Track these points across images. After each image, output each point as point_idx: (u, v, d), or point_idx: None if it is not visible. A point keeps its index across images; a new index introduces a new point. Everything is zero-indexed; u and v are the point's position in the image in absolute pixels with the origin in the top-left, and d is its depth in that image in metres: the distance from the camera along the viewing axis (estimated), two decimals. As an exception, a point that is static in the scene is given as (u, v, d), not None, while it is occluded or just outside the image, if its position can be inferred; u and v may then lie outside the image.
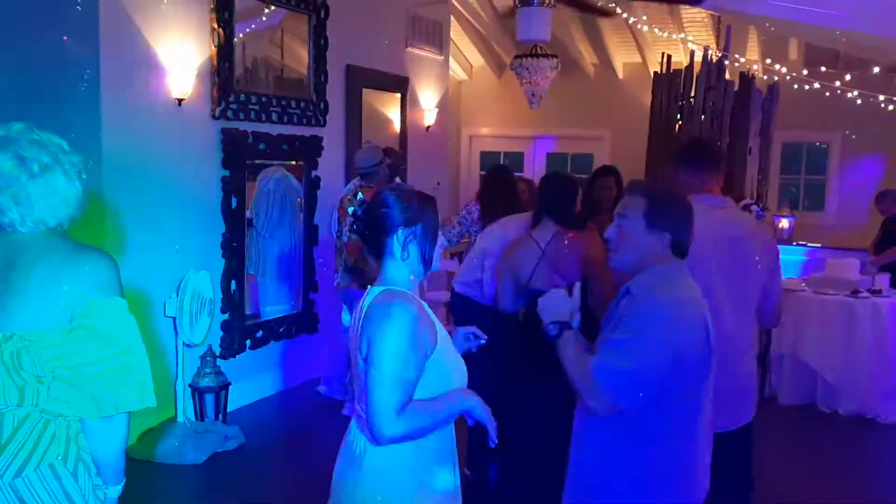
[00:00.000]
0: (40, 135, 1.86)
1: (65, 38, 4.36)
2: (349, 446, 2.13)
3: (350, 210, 5.15)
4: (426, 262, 2.09)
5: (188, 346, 4.71)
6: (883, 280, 5.88)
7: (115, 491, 1.96)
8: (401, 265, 2.06)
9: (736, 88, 7.27)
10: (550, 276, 3.48)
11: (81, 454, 1.86)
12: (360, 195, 5.05)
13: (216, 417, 4.88)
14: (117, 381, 1.76)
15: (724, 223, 2.88)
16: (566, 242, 3.50)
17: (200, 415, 4.85)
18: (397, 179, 5.80)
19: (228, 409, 4.99)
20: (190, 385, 4.83)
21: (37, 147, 1.82)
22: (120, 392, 1.77)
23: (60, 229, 1.86)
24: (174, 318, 4.60)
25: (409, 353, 1.95)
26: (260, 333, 5.62)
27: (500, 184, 4.87)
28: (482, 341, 2.32)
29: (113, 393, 1.76)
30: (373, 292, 2.06)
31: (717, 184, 2.99)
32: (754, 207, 5.82)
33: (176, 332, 4.64)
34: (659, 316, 2.09)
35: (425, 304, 2.09)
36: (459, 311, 4.34)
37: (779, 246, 3.62)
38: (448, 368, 2.08)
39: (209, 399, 4.87)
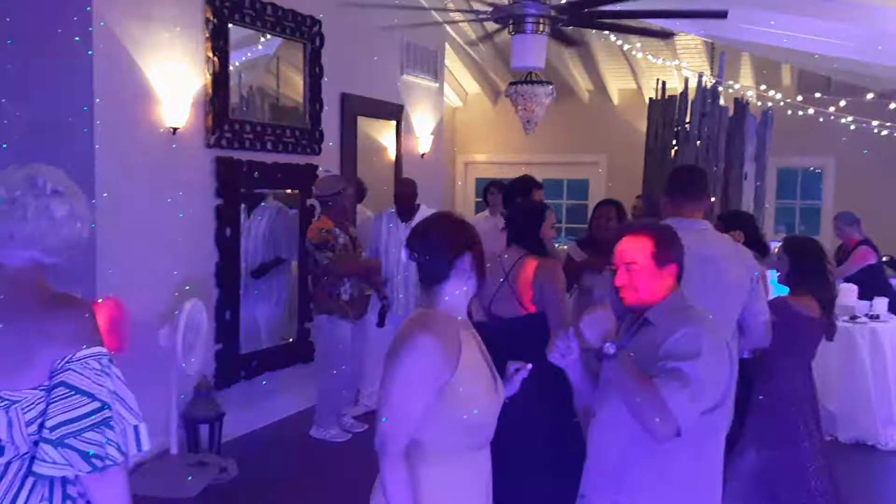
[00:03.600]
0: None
1: (60, 69, 4.36)
2: None
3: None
4: (480, 283, 2.18)
5: (182, 376, 4.66)
6: (881, 305, 5.86)
7: None
8: (458, 289, 2.14)
9: (730, 114, 7.30)
10: (511, 302, 3.49)
11: (67, 492, 1.80)
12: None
13: (210, 448, 4.82)
14: (103, 435, 1.71)
15: (697, 245, 2.90)
16: (528, 270, 3.52)
17: (194, 446, 4.79)
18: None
19: (223, 440, 4.93)
20: (183, 416, 4.77)
21: (53, 175, 1.87)
22: (107, 447, 1.72)
23: (37, 269, 1.82)
24: (168, 348, 4.55)
25: (416, 385, 2.00)
26: (255, 363, 5.57)
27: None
28: (523, 374, 2.32)
29: (100, 447, 1.71)
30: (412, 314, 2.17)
31: (695, 209, 3.09)
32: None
33: (169, 363, 4.59)
34: (702, 340, 2.15)
35: (469, 326, 2.19)
36: None
37: (770, 270, 3.63)
38: (471, 399, 2.06)
39: (203, 429, 4.81)
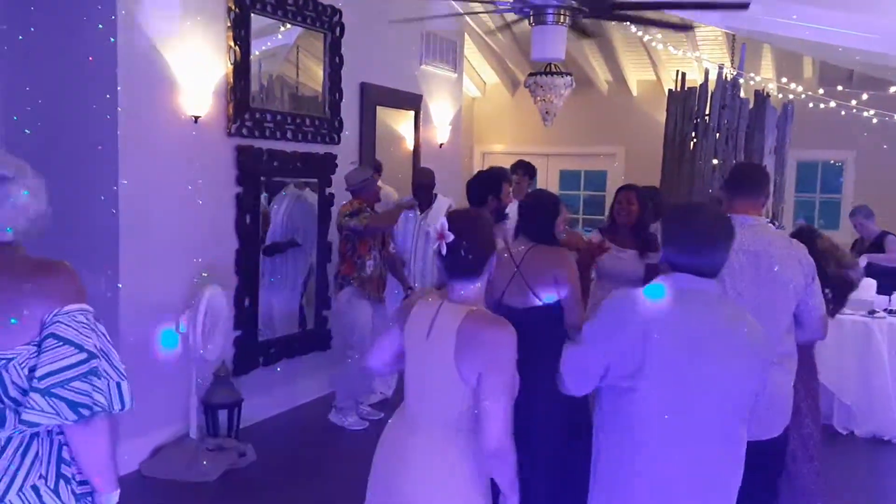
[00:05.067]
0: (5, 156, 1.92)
1: (83, 56, 4.40)
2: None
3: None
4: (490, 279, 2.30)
5: (201, 362, 4.72)
6: (900, 300, 5.83)
7: (110, 499, 1.96)
8: (480, 282, 2.24)
9: (750, 107, 7.25)
10: (524, 293, 3.49)
11: (61, 471, 1.88)
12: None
13: (229, 434, 4.88)
14: (90, 384, 1.79)
15: (749, 240, 2.99)
16: (540, 258, 3.52)
17: (213, 431, 4.85)
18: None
19: (241, 426, 4.99)
20: (203, 401, 4.84)
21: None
22: (94, 395, 1.79)
23: (17, 244, 1.89)
24: (188, 334, 4.61)
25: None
26: (273, 350, 5.62)
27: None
28: None
29: (87, 395, 1.78)
30: (444, 308, 2.21)
31: (749, 205, 3.13)
32: (770, 226, 5.79)
33: (190, 349, 4.65)
34: (602, 308, 2.25)
35: None
36: None
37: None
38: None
39: (222, 415, 4.87)
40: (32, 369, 1.76)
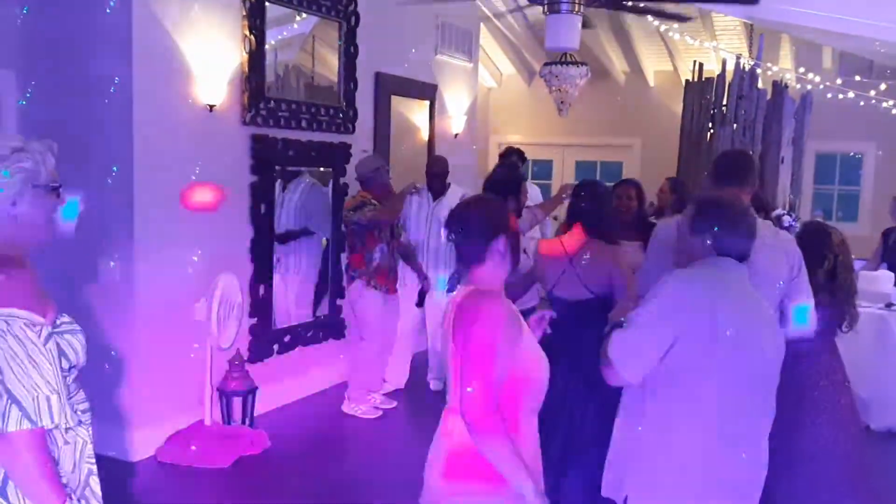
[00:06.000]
0: None
1: (98, 45, 4.43)
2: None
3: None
4: (514, 263, 2.27)
5: (216, 349, 4.75)
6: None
7: None
8: (492, 269, 2.22)
9: (768, 97, 7.20)
10: (576, 286, 3.47)
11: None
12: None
13: (243, 421, 4.91)
14: None
15: None
16: (596, 253, 3.49)
17: (227, 418, 4.89)
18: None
19: (255, 413, 5.02)
20: (218, 388, 4.87)
21: None
22: None
23: None
24: (203, 322, 4.64)
25: (499, 351, 2.10)
26: (287, 338, 5.65)
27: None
28: (551, 315, 2.50)
29: None
30: (462, 292, 2.24)
31: (736, 194, 3.03)
32: (786, 217, 5.75)
33: (204, 336, 4.68)
34: (661, 290, 2.33)
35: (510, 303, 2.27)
36: None
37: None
38: (532, 362, 2.21)
39: (236, 403, 4.91)
40: None
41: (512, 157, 6.86)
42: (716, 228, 2.38)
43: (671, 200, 5.67)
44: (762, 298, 2.45)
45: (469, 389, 2.06)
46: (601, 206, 3.61)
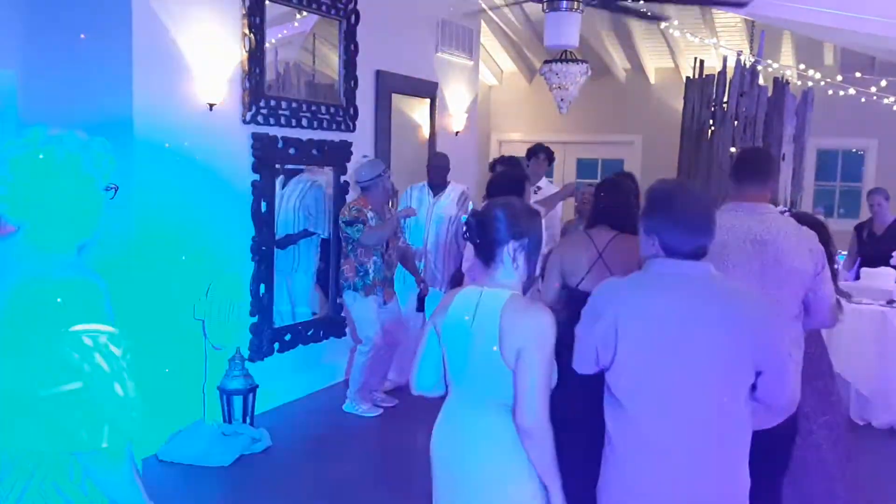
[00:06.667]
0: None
1: (98, 43, 4.43)
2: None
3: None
4: (531, 269, 2.33)
5: (217, 348, 4.76)
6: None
7: None
8: (510, 272, 2.29)
9: (769, 94, 7.18)
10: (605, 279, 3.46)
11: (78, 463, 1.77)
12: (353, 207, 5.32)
13: (244, 420, 4.92)
14: (68, 415, 1.62)
15: (757, 229, 2.97)
16: (626, 247, 3.46)
17: (228, 417, 4.89)
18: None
19: (256, 412, 5.02)
20: (218, 387, 4.88)
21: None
22: (70, 428, 1.63)
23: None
24: (203, 321, 4.65)
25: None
26: (288, 336, 5.66)
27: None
28: None
29: (61, 427, 1.62)
30: (485, 294, 2.28)
31: (759, 192, 3.08)
32: (786, 214, 5.73)
33: (205, 335, 4.69)
34: (591, 297, 2.35)
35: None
36: None
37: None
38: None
39: (237, 401, 4.91)
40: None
41: (538, 156, 6.71)
42: (662, 226, 2.23)
43: None
44: (722, 296, 2.24)
45: (532, 387, 2.18)
46: (623, 202, 3.59)
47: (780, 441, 2.96)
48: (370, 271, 5.34)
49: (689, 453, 2.18)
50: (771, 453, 2.84)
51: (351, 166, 6.08)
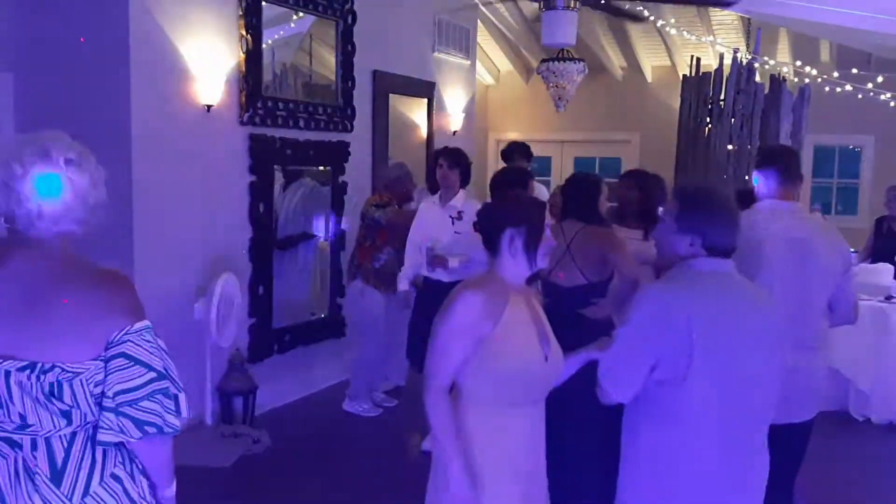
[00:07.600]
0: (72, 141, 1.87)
1: (95, 45, 4.43)
2: None
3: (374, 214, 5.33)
4: (530, 259, 2.32)
5: (216, 349, 4.76)
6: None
7: (171, 491, 1.99)
8: (510, 261, 2.31)
9: (766, 91, 7.20)
10: (571, 271, 3.53)
11: (132, 455, 1.87)
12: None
13: (244, 420, 4.92)
14: (160, 405, 1.77)
15: (789, 226, 3.00)
16: (590, 238, 3.60)
17: (228, 418, 4.89)
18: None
19: (256, 413, 5.03)
20: (218, 388, 4.88)
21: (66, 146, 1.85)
22: (165, 416, 1.78)
23: (67, 238, 1.81)
24: (202, 322, 4.65)
25: (458, 332, 2.21)
26: (287, 337, 5.66)
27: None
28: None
29: (158, 416, 1.77)
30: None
31: (792, 190, 3.11)
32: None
33: (204, 336, 4.68)
34: (639, 306, 2.18)
35: (529, 292, 2.40)
36: None
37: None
38: (513, 353, 2.24)
39: (237, 402, 4.91)
40: (100, 387, 1.73)
41: (514, 155, 6.62)
42: (705, 224, 2.18)
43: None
44: (756, 299, 2.24)
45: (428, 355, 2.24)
46: (584, 196, 3.74)
47: (798, 435, 2.98)
48: (382, 259, 5.38)
49: (749, 451, 2.21)
50: (789, 447, 2.86)
51: (349, 166, 6.08)
